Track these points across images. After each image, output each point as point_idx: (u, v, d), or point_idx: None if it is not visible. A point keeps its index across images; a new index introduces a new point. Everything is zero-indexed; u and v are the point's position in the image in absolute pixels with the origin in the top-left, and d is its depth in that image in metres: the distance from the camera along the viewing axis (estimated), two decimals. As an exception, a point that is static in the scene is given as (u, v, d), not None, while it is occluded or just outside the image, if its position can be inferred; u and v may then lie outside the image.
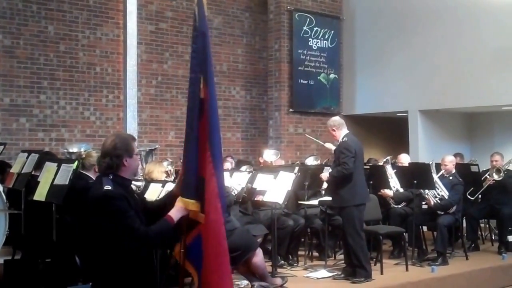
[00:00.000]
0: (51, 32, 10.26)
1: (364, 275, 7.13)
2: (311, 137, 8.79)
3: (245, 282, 6.72)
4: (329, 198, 8.27)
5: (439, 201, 8.47)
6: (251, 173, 7.95)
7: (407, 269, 7.85)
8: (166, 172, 7.78)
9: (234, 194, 7.40)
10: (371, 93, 12.63)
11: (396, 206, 8.88)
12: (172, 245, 4.03)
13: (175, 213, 3.72)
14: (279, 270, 7.47)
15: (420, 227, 8.76)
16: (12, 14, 9.88)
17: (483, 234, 10.21)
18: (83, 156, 7.25)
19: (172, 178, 8.19)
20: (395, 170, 8.94)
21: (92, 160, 6.69)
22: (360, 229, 7.18)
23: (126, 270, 3.70)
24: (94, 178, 6.61)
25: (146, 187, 6.78)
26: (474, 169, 9.51)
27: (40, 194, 6.13)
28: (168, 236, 3.75)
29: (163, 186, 6.74)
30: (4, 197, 6.30)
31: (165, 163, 8.36)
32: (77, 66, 10.48)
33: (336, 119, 7.49)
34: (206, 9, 3.77)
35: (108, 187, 3.64)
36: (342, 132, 7.30)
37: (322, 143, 8.07)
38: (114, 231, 3.64)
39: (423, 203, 8.81)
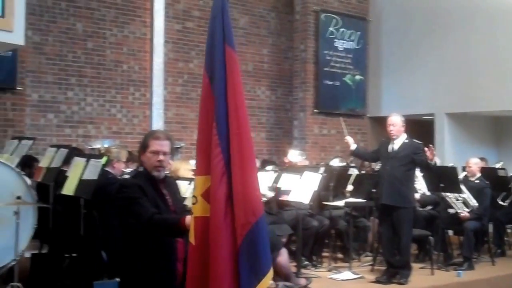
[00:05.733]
0: (79, 29, 10.34)
1: (408, 274, 7.30)
2: (343, 124, 8.68)
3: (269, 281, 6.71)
4: (355, 200, 8.27)
5: (465, 209, 8.43)
6: (277, 173, 7.95)
7: (432, 273, 7.82)
8: (193, 170, 7.78)
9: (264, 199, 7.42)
10: (397, 95, 12.54)
11: (421, 209, 8.81)
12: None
13: (189, 218, 3.61)
14: (303, 270, 7.46)
15: (446, 231, 8.70)
16: (42, 11, 9.96)
17: (510, 239, 10.10)
18: (102, 152, 7.29)
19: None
20: (422, 174, 8.86)
21: (111, 156, 6.72)
22: (412, 230, 7.45)
23: (147, 262, 3.80)
24: (113, 173, 6.69)
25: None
26: (501, 173, 9.41)
27: (69, 188, 6.17)
28: (170, 230, 3.75)
29: (189, 184, 6.76)
30: (33, 191, 6.36)
31: (192, 162, 8.37)
32: (104, 64, 10.55)
33: None
34: None
35: (126, 177, 3.77)
36: (403, 132, 7.40)
37: (346, 134, 7.98)
38: (126, 218, 3.84)
39: (450, 209, 8.72)
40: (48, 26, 10.03)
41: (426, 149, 7.14)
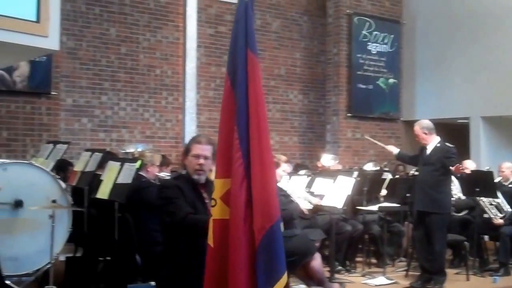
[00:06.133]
0: (113, 34, 10.42)
1: (443, 280, 7.21)
2: (371, 139, 8.69)
3: (303, 286, 6.69)
4: (389, 204, 8.18)
5: (499, 214, 8.29)
6: (310, 177, 7.92)
7: (467, 279, 7.75)
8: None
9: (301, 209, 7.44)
10: (431, 99, 12.39)
11: (456, 214, 8.68)
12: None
13: None
14: (336, 275, 7.41)
15: (481, 236, 8.57)
16: (76, 16, 10.06)
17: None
18: (136, 156, 7.32)
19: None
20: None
21: (145, 160, 6.74)
22: (446, 236, 7.38)
23: (181, 263, 3.90)
24: (147, 177, 6.70)
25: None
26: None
27: (103, 192, 6.22)
28: (201, 230, 3.70)
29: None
30: (68, 194, 6.42)
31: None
32: (137, 68, 10.61)
33: (430, 123, 7.42)
34: None
35: (167, 178, 3.83)
36: (433, 137, 7.31)
37: (384, 146, 7.99)
38: (164, 218, 3.98)
39: (485, 214, 8.57)
40: (82, 31, 10.13)
41: (458, 165, 7.07)
